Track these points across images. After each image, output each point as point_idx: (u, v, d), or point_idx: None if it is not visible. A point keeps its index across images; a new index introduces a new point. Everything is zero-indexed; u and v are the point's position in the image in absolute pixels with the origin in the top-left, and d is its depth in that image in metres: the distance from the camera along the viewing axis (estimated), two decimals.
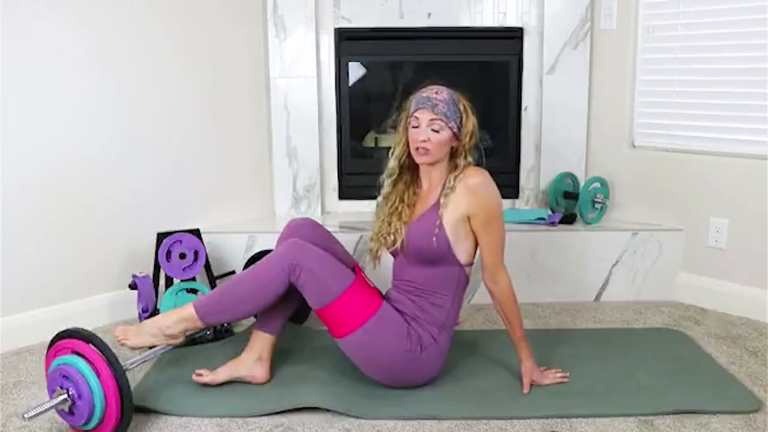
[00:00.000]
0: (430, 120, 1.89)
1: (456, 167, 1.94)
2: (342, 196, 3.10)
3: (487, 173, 1.94)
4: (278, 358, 2.10)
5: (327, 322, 1.93)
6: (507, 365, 2.09)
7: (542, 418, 1.83)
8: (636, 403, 1.90)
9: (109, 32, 2.47)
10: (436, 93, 1.90)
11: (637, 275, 2.76)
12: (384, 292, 2.04)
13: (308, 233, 2.04)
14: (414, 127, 1.91)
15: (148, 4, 2.56)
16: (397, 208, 2.00)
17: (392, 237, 1.98)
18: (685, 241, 2.73)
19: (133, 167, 2.58)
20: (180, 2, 2.65)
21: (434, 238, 1.90)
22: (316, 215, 3.01)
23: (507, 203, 3.07)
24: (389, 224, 2.00)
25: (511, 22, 2.98)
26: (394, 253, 2.03)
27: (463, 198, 1.90)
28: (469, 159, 1.95)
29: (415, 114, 1.91)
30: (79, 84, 2.42)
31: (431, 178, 1.99)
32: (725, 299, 2.63)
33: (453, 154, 1.96)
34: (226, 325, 2.39)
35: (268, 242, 2.56)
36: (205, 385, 1.98)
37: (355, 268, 2.05)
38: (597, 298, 2.78)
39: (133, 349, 1.91)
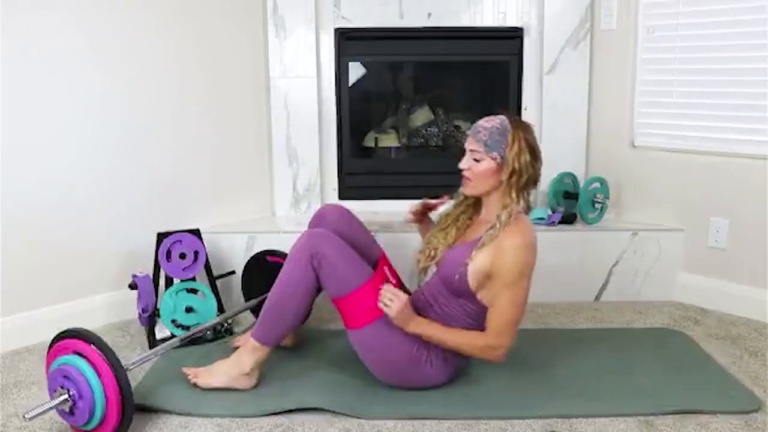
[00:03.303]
0: (470, 149, 1.86)
1: (506, 206, 1.85)
2: (342, 196, 3.10)
3: (529, 237, 1.83)
4: (278, 358, 2.10)
5: (341, 312, 1.93)
6: (507, 365, 2.08)
7: (542, 418, 1.83)
8: (636, 403, 1.90)
9: (108, 31, 2.47)
10: (487, 120, 1.86)
11: (637, 275, 2.76)
12: (413, 289, 2.05)
13: (333, 221, 2.08)
14: (463, 152, 1.90)
15: (148, 5, 2.56)
16: (444, 228, 2.00)
17: (432, 253, 1.98)
18: (685, 241, 2.73)
19: (133, 167, 2.58)
20: (180, 2, 2.65)
21: (457, 276, 1.86)
22: None
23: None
24: (433, 239, 1.99)
25: (511, 22, 2.98)
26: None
27: (492, 254, 1.82)
28: (521, 202, 1.85)
29: (466, 141, 1.89)
30: (78, 84, 2.42)
31: (488, 209, 1.93)
32: (725, 299, 2.63)
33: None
34: (226, 324, 2.40)
35: (268, 242, 2.57)
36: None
37: (380, 260, 2.07)
38: (597, 298, 2.78)
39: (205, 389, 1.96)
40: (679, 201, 2.75)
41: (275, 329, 1.95)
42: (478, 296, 1.87)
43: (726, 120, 2.61)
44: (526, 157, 1.83)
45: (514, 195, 1.85)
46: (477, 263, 1.83)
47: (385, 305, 1.82)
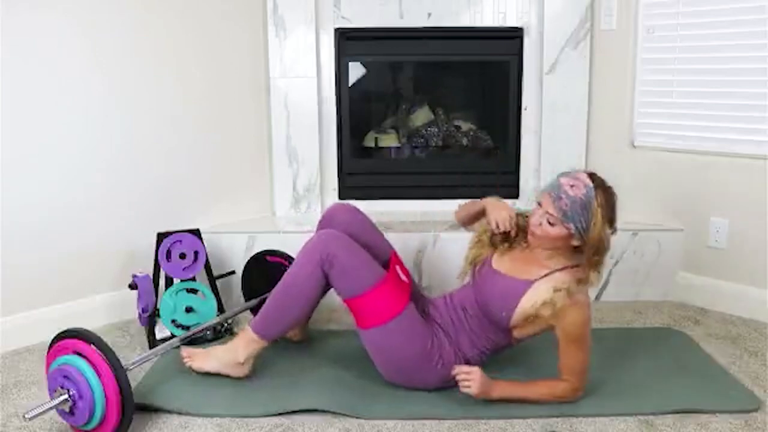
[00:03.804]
0: (547, 212, 1.80)
1: (580, 281, 1.82)
2: (342, 196, 3.10)
3: (587, 293, 1.85)
4: (280, 357, 2.10)
5: (353, 312, 1.93)
6: (506, 365, 2.09)
7: (542, 418, 1.83)
8: (636, 403, 1.91)
9: (108, 32, 2.47)
10: (572, 186, 1.77)
11: (637, 275, 2.76)
12: (433, 294, 2.10)
13: (344, 221, 2.06)
14: (538, 201, 1.85)
15: (148, 5, 2.56)
16: (498, 244, 1.98)
17: (479, 266, 1.97)
18: (685, 241, 2.73)
19: (133, 167, 2.58)
20: (180, 3, 2.65)
21: (504, 312, 1.86)
22: (316, 215, 3.00)
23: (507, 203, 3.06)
24: (483, 250, 1.98)
25: (511, 22, 2.98)
26: (475, 269, 2.01)
27: (547, 309, 1.82)
28: (592, 277, 1.81)
29: (543, 194, 1.83)
30: (79, 84, 2.42)
31: (545, 253, 1.87)
32: (725, 299, 2.63)
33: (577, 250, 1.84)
34: (226, 324, 2.40)
35: (268, 242, 2.58)
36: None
37: (391, 258, 2.06)
38: (597, 298, 2.77)
39: (198, 372, 2.01)
40: (679, 201, 2.75)
41: (276, 325, 1.96)
42: (514, 332, 1.90)
43: (726, 120, 2.61)
44: (606, 232, 1.78)
45: (589, 272, 1.81)
46: (527, 309, 1.84)
47: (465, 386, 1.81)
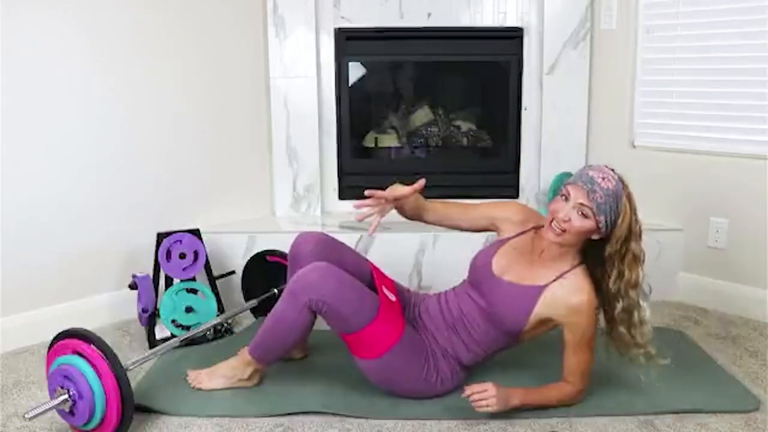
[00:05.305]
0: (579, 203, 1.72)
1: (582, 270, 1.80)
2: (342, 196, 3.10)
3: (593, 289, 1.80)
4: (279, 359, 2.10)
5: (348, 345, 1.88)
6: (506, 366, 2.09)
7: (542, 418, 1.83)
8: (636, 403, 1.90)
9: (109, 32, 2.47)
10: (603, 178, 1.73)
11: None
12: (428, 295, 2.06)
13: (310, 253, 1.96)
14: (562, 195, 1.76)
15: (149, 5, 2.56)
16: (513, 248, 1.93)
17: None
18: (685, 241, 2.73)
19: (133, 167, 2.58)
20: (181, 3, 2.65)
21: (517, 321, 1.83)
22: (316, 215, 3.01)
23: None
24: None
25: (511, 22, 2.98)
26: (472, 276, 1.96)
27: (561, 310, 1.80)
28: (623, 289, 1.75)
29: (569, 187, 1.76)
30: (79, 84, 2.42)
31: (549, 255, 1.84)
32: (725, 299, 2.63)
33: (593, 245, 1.80)
34: (226, 324, 2.40)
35: (268, 242, 2.57)
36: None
37: (374, 277, 1.98)
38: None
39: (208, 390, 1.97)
40: (679, 201, 2.75)
41: (270, 354, 1.93)
42: (523, 335, 1.88)
43: (726, 120, 2.61)
44: (634, 223, 1.75)
45: (619, 264, 1.74)
46: (543, 314, 1.82)
47: (483, 406, 1.75)
